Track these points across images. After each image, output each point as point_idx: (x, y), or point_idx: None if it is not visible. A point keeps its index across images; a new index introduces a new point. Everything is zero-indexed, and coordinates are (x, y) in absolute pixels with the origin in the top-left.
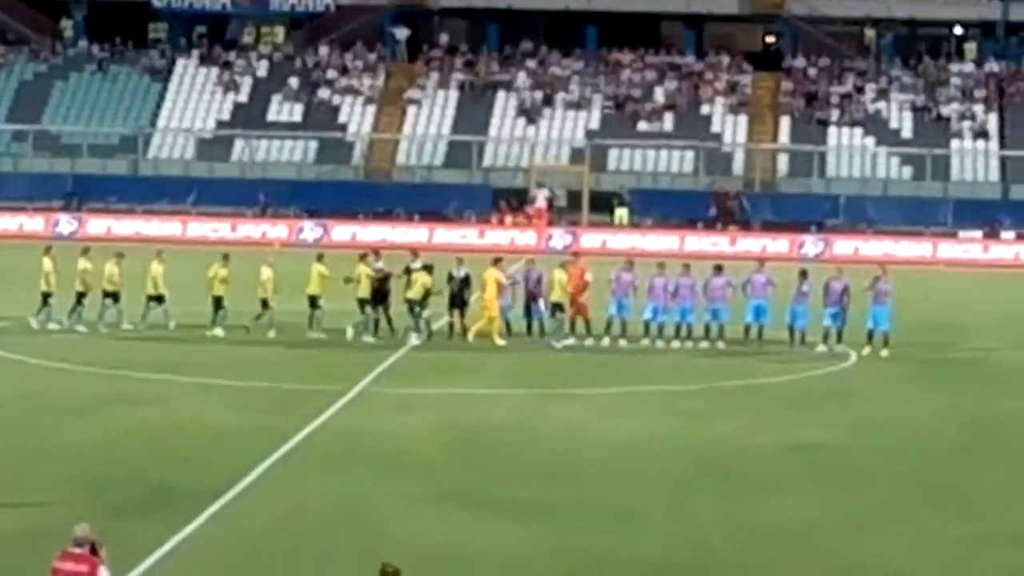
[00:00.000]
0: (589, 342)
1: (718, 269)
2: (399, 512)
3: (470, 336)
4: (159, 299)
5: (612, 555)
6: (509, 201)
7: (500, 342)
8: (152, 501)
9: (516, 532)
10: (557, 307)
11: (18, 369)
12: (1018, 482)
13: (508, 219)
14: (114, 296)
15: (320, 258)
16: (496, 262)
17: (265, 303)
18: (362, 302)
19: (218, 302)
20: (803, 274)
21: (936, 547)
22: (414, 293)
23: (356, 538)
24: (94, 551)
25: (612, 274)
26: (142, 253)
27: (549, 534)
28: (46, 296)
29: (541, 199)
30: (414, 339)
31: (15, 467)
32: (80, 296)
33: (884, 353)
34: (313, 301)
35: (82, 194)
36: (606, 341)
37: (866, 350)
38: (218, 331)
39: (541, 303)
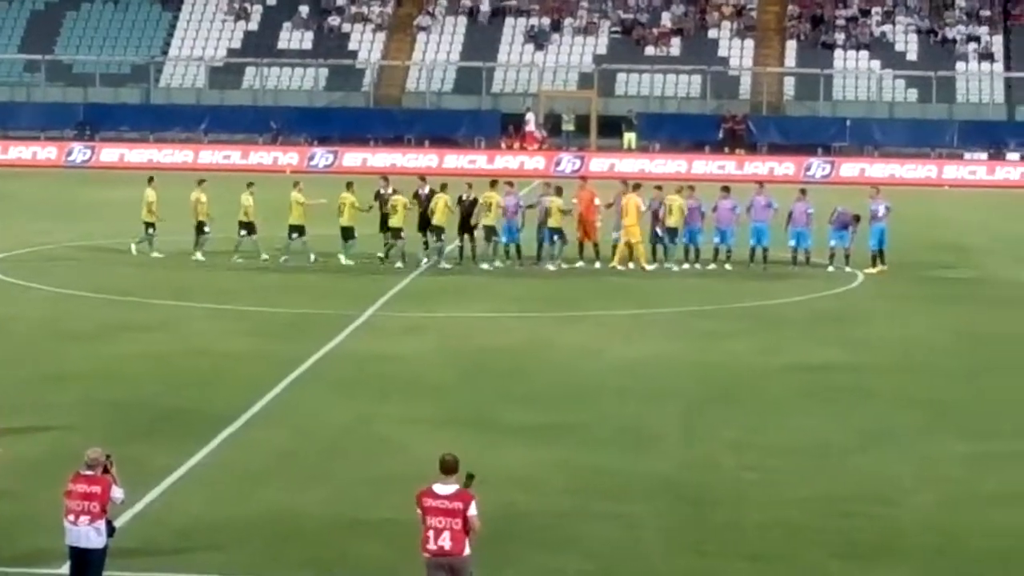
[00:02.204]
0: (597, 265)
1: (725, 191)
2: (409, 435)
3: (618, 264)
4: (249, 228)
5: (623, 473)
6: (516, 126)
7: (648, 267)
8: (165, 425)
9: (527, 453)
10: (556, 232)
11: (31, 295)
12: (1020, 399)
13: (515, 145)
14: (249, 227)
15: (297, 185)
16: (635, 188)
17: (301, 229)
18: (345, 229)
19: (249, 227)
20: (803, 192)
21: (944, 465)
22: (437, 219)
23: (367, 461)
24: (106, 471)
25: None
26: (159, 181)
27: (560, 454)
28: (149, 225)
29: (531, 123)
30: (491, 264)
31: (28, 392)
32: (200, 226)
33: (874, 270)
34: (297, 229)
35: (94, 123)
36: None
37: (870, 269)
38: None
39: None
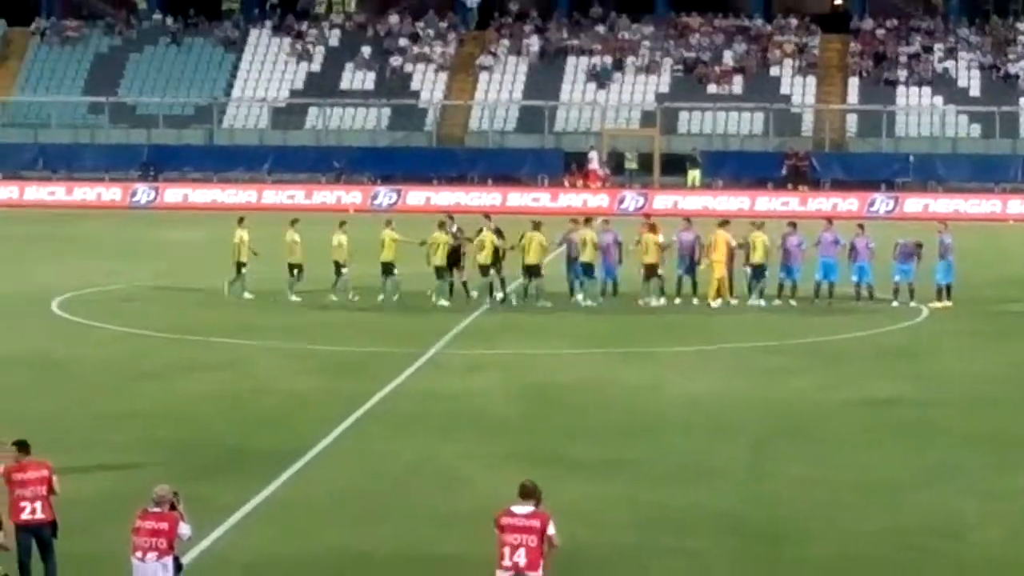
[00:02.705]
0: (663, 301)
1: (792, 226)
2: (474, 471)
3: (712, 302)
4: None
5: (688, 508)
6: (579, 164)
7: (715, 304)
8: (230, 464)
9: (591, 488)
10: (588, 267)
11: (97, 334)
12: None
13: (579, 183)
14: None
15: (389, 223)
16: (723, 224)
17: (339, 267)
18: (439, 268)
19: (298, 268)
20: (861, 228)
21: (1011, 500)
22: (484, 257)
23: (433, 498)
24: (173, 508)
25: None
26: (223, 221)
27: (624, 489)
28: (240, 266)
29: (594, 161)
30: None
31: (94, 430)
32: (294, 268)
33: (940, 305)
34: (387, 268)
35: (158, 164)
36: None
37: (935, 304)
38: (294, 297)
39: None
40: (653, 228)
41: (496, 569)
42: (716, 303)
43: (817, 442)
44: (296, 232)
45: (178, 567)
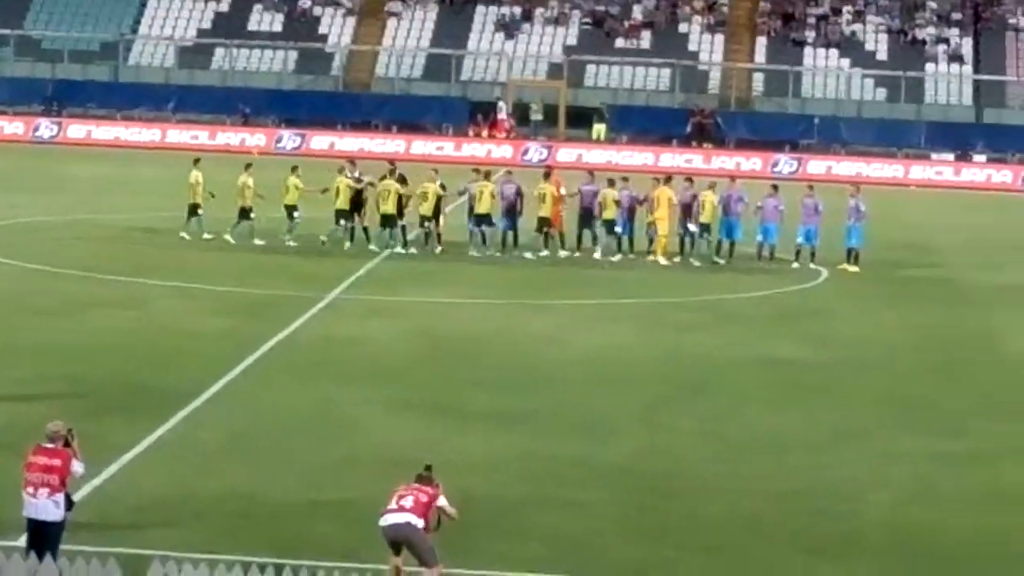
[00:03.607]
0: (563, 254)
1: (774, 188)
2: (369, 418)
3: (661, 259)
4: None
5: (583, 462)
6: (485, 114)
7: (663, 262)
8: (124, 402)
9: (487, 439)
10: (484, 217)
11: None
12: (984, 400)
13: (483, 132)
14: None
15: (294, 170)
16: (667, 180)
17: (245, 211)
18: (339, 211)
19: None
20: (775, 188)
21: (905, 463)
22: (389, 207)
23: (326, 442)
24: (67, 444)
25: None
26: (125, 160)
27: (520, 441)
28: (246, 212)
29: (501, 112)
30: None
31: None
32: (246, 211)
33: (852, 269)
34: (290, 211)
35: (62, 99)
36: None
37: (843, 265)
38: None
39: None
40: (548, 176)
41: (380, 517)
42: (664, 261)
43: (714, 399)
44: (249, 176)
45: (69, 504)
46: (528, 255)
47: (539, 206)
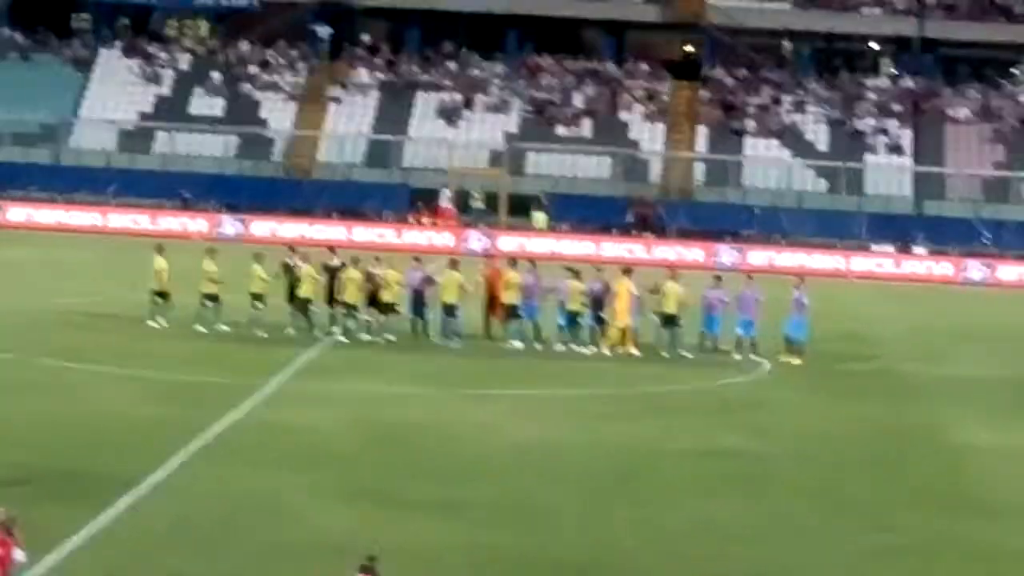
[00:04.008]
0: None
1: (717, 279)
2: (311, 506)
3: (606, 349)
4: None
5: (522, 553)
6: (426, 201)
7: (635, 352)
8: (66, 489)
9: (427, 528)
10: (451, 308)
11: None
12: (924, 494)
13: (425, 219)
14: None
15: (259, 258)
16: (627, 272)
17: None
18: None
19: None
20: (718, 279)
21: (843, 557)
22: (350, 295)
23: (268, 530)
24: (8, 532)
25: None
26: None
27: (460, 531)
28: (158, 294)
29: (444, 200)
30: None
31: None
32: (213, 298)
33: (796, 361)
34: (255, 299)
35: (2, 182)
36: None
37: (783, 357)
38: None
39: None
40: (455, 265)
41: None
42: (628, 350)
43: (652, 489)
44: (163, 258)
45: None
46: (454, 344)
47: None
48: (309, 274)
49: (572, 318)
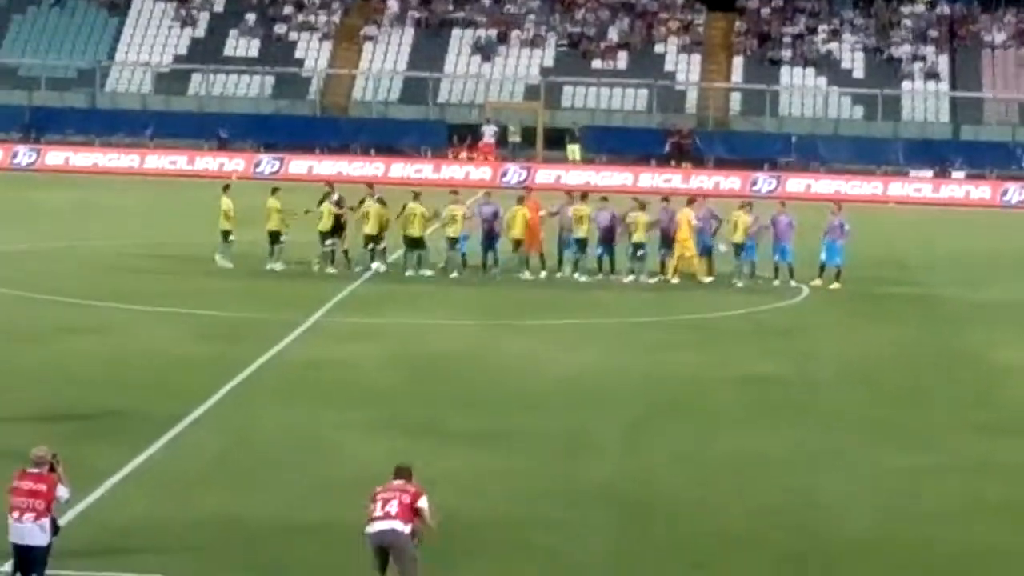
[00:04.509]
0: (543, 275)
1: (782, 205)
2: (351, 440)
3: (671, 276)
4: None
5: (565, 481)
6: (463, 136)
7: (706, 279)
8: (110, 427)
9: (469, 458)
10: (518, 243)
11: None
12: (964, 416)
13: (463, 154)
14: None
15: (275, 192)
16: (690, 203)
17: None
18: (322, 233)
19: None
20: (749, 206)
21: (883, 479)
22: (370, 228)
23: (308, 464)
24: (52, 469)
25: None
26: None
27: (502, 460)
28: (226, 233)
29: (489, 135)
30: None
31: None
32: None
33: (834, 286)
34: (274, 237)
35: (40, 126)
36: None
37: (816, 282)
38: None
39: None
40: (521, 201)
41: (366, 524)
42: (700, 278)
43: (692, 418)
44: (228, 198)
45: (55, 529)
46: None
47: (510, 228)
48: (373, 211)
49: (637, 249)
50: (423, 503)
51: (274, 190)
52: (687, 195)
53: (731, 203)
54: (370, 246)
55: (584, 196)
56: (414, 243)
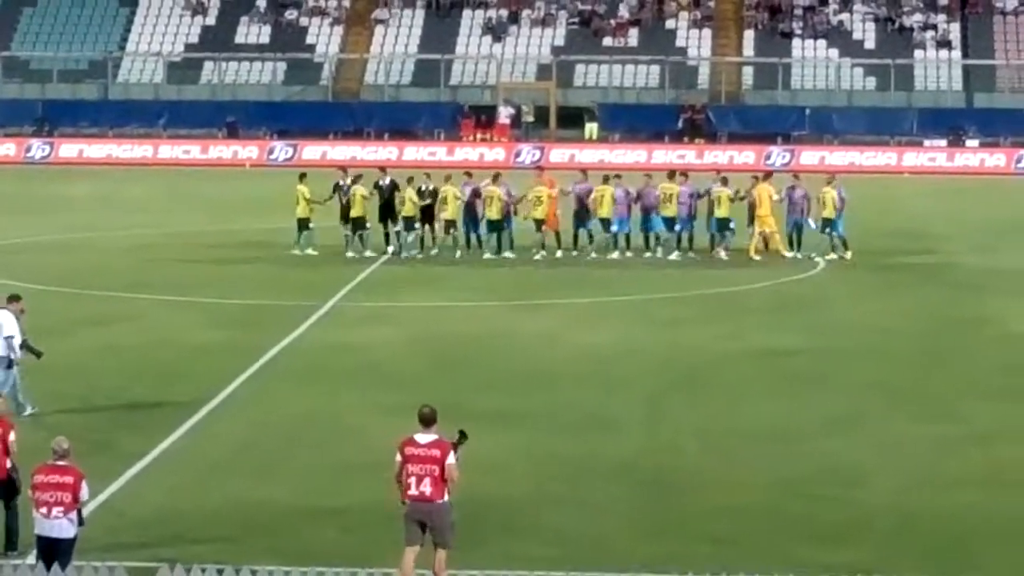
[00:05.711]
0: (559, 254)
1: (796, 178)
2: (372, 423)
3: (753, 254)
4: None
5: (586, 459)
6: (478, 118)
7: (787, 254)
8: (130, 416)
9: (489, 438)
10: (540, 223)
11: None
12: (982, 384)
13: (477, 135)
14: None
15: (303, 178)
16: (767, 177)
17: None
18: (355, 221)
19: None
20: (762, 177)
21: (904, 448)
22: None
23: (329, 449)
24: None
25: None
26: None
27: (522, 439)
28: (304, 221)
29: (504, 115)
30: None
31: None
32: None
33: (847, 256)
34: (302, 224)
35: (53, 119)
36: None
37: (831, 255)
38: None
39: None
40: (539, 179)
41: (403, 497)
42: (781, 253)
43: (712, 392)
44: (305, 186)
45: (81, 520)
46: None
47: (533, 208)
48: (359, 193)
49: (722, 224)
50: (451, 459)
51: (302, 176)
52: (702, 170)
53: (746, 177)
54: (358, 232)
55: (672, 175)
56: (494, 225)
